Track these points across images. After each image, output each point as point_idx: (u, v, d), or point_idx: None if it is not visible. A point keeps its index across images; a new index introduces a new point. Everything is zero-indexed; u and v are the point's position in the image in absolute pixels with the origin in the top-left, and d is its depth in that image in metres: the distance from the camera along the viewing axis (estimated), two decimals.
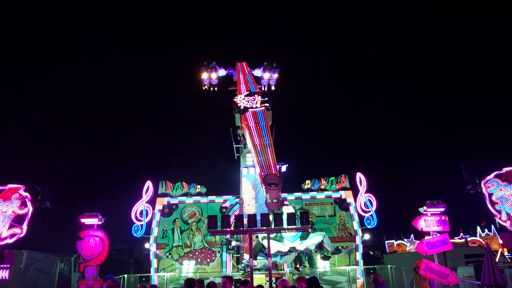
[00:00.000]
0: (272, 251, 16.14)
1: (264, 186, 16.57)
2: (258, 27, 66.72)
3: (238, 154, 23.31)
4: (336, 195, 22.03)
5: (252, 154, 19.68)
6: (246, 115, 20.49)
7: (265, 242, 16.64)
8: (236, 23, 66.21)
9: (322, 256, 17.37)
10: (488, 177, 15.45)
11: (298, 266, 17.55)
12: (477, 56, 59.14)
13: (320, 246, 16.94)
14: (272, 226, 13.64)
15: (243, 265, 18.02)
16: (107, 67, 62.21)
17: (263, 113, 20.66)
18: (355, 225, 20.99)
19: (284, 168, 21.48)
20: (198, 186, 22.38)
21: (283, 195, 21.85)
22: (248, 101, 20.75)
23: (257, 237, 16.75)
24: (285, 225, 13.72)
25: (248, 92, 21.47)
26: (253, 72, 23.16)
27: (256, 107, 20.51)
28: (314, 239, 16.62)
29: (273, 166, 18.21)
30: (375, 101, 63.47)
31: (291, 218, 13.81)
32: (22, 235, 14.49)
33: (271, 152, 19.01)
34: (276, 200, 16.44)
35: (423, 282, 10.60)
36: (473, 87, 56.93)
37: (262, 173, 17.44)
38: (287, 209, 16.18)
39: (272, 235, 15.96)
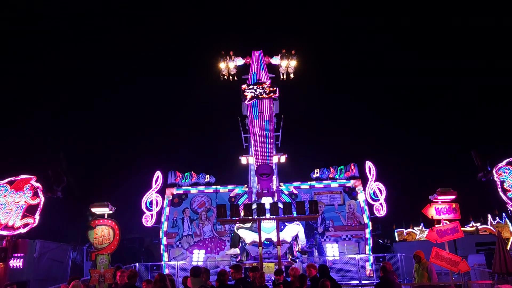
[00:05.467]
0: (248, 241, 16.14)
1: (256, 176, 16.55)
2: (281, 15, 65.25)
3: (247, 144, 23.31)
4: (345, 183, 21.87)
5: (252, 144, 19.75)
6: (251, 104, 20.47)
7: (240, 232, 16.66)
8: (257, 10, 64.84)
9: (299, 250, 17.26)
10: (500, 164, 15.17)
11: (291, 257, 17.54)
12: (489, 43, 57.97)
13: (295, 239, 16.76)
14: (281, 215, 13.57)
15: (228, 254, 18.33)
16: (117, 58, 62.36)
17: (269, 102, 20.57)
18: (365, 211, 20.85)
19: (283, 158, 21.29)
20: (207, 176, 22.45)
21: (294, 183, 21.94)
22: (255, 90, 20.66)
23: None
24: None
25: (257, 81, 21.41)
26: (271, 60, 23.01)
27: (262, 96, 20.42)
28: (290, 231, 16.33)
29: (269, 156, 18.17)
30: (383, 89, 62.79)
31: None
32: (34, 224, 14.65)
33: (269, 142, 18.97)
34: (266, 191, 16.42)
35: (423, 272, 10.55)
36: (486, 73, 55.94)
37: (257, 163, 17.43)
38: (266, 200, 16.08)
39: (247, 225, 15.90)
